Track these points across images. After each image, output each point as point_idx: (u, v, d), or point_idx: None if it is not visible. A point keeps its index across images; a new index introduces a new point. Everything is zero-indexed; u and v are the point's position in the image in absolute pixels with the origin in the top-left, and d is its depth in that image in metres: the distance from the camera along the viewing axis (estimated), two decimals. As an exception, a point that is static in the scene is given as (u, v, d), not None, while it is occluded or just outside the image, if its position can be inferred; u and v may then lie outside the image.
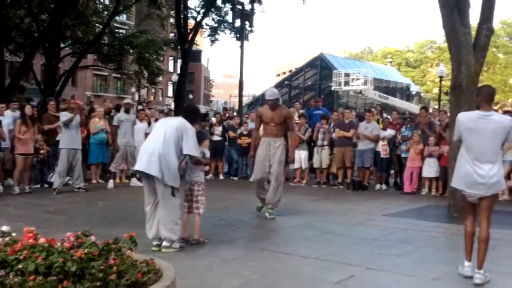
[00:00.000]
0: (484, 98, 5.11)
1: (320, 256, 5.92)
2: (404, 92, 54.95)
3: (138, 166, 6.21)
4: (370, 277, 5.18)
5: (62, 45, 26.81)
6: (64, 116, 10.87)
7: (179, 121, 6.28)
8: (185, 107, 7.53)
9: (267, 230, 7.36)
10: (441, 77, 33.17)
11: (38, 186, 11.57)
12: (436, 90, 47.92)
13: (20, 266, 2.75)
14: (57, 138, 11.67)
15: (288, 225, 7.79)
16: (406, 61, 73.49)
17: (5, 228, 3.13)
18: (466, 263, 5.14)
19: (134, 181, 11.85)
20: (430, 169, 11.39)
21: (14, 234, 3.10)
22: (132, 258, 3.25)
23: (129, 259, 3.19)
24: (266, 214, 8.20)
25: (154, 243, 6.15)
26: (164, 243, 6.10)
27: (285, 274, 5.30)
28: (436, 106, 31.30)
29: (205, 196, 6.61)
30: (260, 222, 7.50)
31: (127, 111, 12.57)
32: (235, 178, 13.93)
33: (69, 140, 10.75)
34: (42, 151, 11.55)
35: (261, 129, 8.56)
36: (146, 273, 3.13)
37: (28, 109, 10.99)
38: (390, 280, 5.10)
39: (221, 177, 14.13)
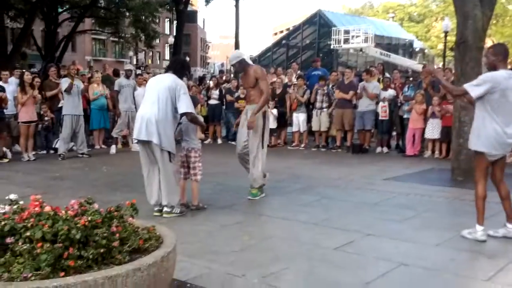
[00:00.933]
0: (503, 58, 5.07)
1: (318, 222, 5.93)
2: (407, 49, 54.12)
3: (136, 135, 6.17)
4: (370, 243, 5.18)
5: (60, 10, 26.81)
6: (64, 82, 10.98)
7: (170, 80, 6.17)
8: (172, 61, 7.22)
9: (266, 196, 7.35)
10: (446, 32, 32.59)
11: (44, 152, 11.86)
12: (441, 46, 47.20)
13: (28, 233, 2.86)
14: (59, 105, 11.88)
15: (287, 190, 7.79)
16: (409, 15, 72.22)
17: (13, 196, 3.22)
18: (480, 227, 5.14)
19: (135, 146, 11.81)
20: (434, 130, 11.17)
21: (21, 202, 3.19)
22: (134, 225, 3.39)
23: (131, 226, 3.33)
24: (248, 196, 7.25)
25: (156, 208, 6.20)
26: (165, 209, 6.16)
27: (284, 240, 5.32)
28: (441, 63, 30.96)
29: (202, 162, 6.60)
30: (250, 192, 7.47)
31: (127, 77, 12.62)
32: (233, 143, 13.73)
33: (71, 106, 10.93)
34: (46, 118, 11.74)
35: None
36: (148, 240, 3.30)
37: (26, 76, 11.00)
38: (391, 246, 5.08)
39: (219, 141, 14.12)
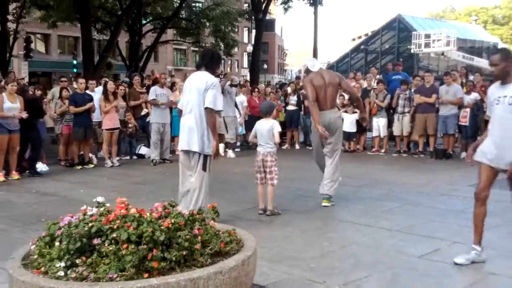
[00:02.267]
0: None
1: (402, 229, 5.75)
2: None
3: (181, 145, 5.94)
4: (456, 251, 4.93)
5: (143, 22, 28.06)
6: (153, 91, 11.40)
7: (201, 80, 5.78)
8: (201, 56, 6.62)
9: (346, 201, 7.23)
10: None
11: (128, 158, 12.23)
12: (527, 48, 45.01)
13: (114, 235, 2.92)
14: (142, 113, 12.31)
15: (367, 196, 7.61)
16: (493, 18, 69.35)
17: (100, 199, 3.31)
18: None
19: (230, 153, 12.32)
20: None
21: (108, 205, 3.27)
22: (215, 228, 3.42)
23: (212, 229, 3.36)
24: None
25: None
26: None
27: (365, 246, 5.19)
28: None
29: (280, 167, 6.58)
30: (338, 193, 7.35)
31: (231, 85, 13.03)
32: (311, 148, 13.71)
33: (158, 115, 11.38)
34: (130, 125, 12.11)
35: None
36: (229, 243, 3.30)
37: (110, 85, 11.50)
38: (478, 254, 4.84)
39: (297, 146, 14.05)
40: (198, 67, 6.11)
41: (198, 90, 5.74)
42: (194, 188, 5.76)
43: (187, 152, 5.84)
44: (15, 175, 9.44)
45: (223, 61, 50.27)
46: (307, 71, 7.34)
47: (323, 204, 7.00)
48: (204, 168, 5.76)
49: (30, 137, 9.84)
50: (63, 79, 12.93)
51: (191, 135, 5.73)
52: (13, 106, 9.30)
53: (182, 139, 5.88)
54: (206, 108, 5.70)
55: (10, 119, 9.24)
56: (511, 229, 5.80)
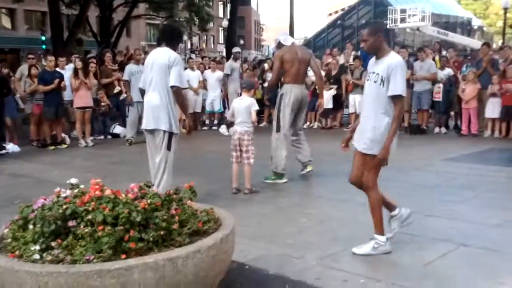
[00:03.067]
0: None
1: (377, 204, 5.80)
2: (465, 27, 52.23)
3: (144, 124, 5.80)
4: (429, 224, 5.06)
5: (114, -5, 27.29)
6: (128, 70, 11.04)
7: (163, 57, 5.62)
8: (161, 31, 6.37)
9: (322, 177, 7.29)
10: (505, 9, 31.35)
11: (102, 137, 12.01)
12: (500, 23, 45.38)
13: (89, 217, 2.91)
14: (115, 91, 12.06)
15: (344, 172, 7.57)
16: (468, -8, 69.65)
17: (73, 180, 3.27)
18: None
19: (223, 129, 12.02)
20: (494, 109, 10.83)
21: (82, 186, 3.23)
22: (193, 207, 3.42)
23: (190, 209, 3.36)
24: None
25: None
26: None
27: (342, 221, 5.26)
28: (500, 41, 29.82)
29: (258, 145, 6.57)
30: (315, 169, 7.41)
31: (235, 59, 13.36)
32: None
33: (137, 93, 10.99)
34: (103, 104, 11.88)
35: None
36: (206, 222, 3.31)
37: (77, 63, 11.17)
38: (450, 227, 4.97)
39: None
40: (158, 43, 5.92)
41: (160, 67, 5.58)
42: (158, 167, 5.63)
43: (152, 131, 5.69)
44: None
45: (197, 36, 49.88)
46: (279, 45, 7.37)
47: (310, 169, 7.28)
48: (168, 148, 5.63)
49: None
50: (30, 56, 12.45)
51: (156, 114, 5.57)
52: None
53: (147, 118, 5.70)
54: (172, 87, 5.56)
55: None
56: (482, 201, 5.93)
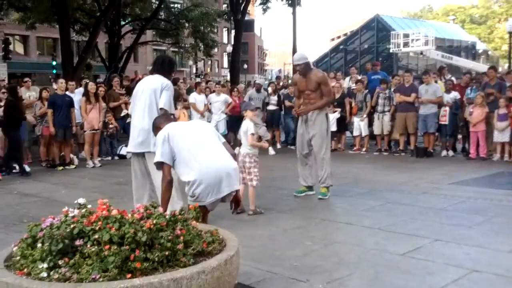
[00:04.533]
0: None
1: (383, 227, 5.77)
2: (470, 51, 52.55)
3: (130, 147, 5.87)
4: (438, 248, 4.98)
5: (122, 23, 27.94)
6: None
7: (154, 82, 5.75)
8: (155, 61, 6.43)
9: (328, 200, 7.27)
10: (510, 33, 31.42)
11: (109, 158, 12.18)
12: (505, 47, 45.60)
13: (96, 236, 2.92)
14: (122, 114, 12.26)
15: (349, 195, 7.65)
16: (471, 17, 70.22)
17: (81, 200, 3.30)
18: None
19: (270, 150, 12.41)
20: (502, 133, 10.75)
21: (89, 206, 3.25)
22: (197, 228, 3.42)
23: (195, 230, 3.35)
24: (319, 196, 7.42)
25: None
26: None
27: (348, 245, 5.20)
28: (506, 65, 29.89)
29: (261, 167, 6.59)
30: (320, 192, 7.41)
31: (258, 90, 13.42)
32: (292, 147, 13.64)
33: None
34: (111, 126, 12.05)
35: None
36: (211, 243, 3.30)
37: (91, 87, 11.38)
38: (461, 252, 4.87)
39: (278, 146, 14.06)
40: (151, 72, 6.07)
41: (153, 91, 5.66)
42: (159, 187, 5.53)
43: (140, 155, 5.73)
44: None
45: (202, 61, 50.29)
46: (309, 67, 7.51)
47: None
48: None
49: (16, 137, 9.93)
50: (26, 79, 12.90)
51: (145, 136, 5.61)
52: None
53: (134, 141, 5.74)
54: (161, 109, 5.63)
55: None
56: (494, 226, 5.83)
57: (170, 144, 4.75)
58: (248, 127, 6.54)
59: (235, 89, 14.65)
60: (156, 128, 5.17)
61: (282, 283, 4.14)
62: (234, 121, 12.65)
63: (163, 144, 4.76)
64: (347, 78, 15.34)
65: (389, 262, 4.61)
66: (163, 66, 5.97)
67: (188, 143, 4.81)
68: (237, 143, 7.05)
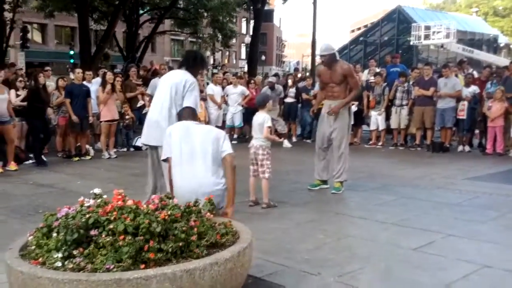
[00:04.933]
0: None
1: (397, 221, 5.77)
2: (491, 44, 51.85)
3: (144, 139, 5.80)
4: (451, 243, 4.98)
5: (141, 12, 27.91)
6: (153, 84, 11.21)
7: (178, 77, 5.63)
8: (184, 57, 6.23)
9: (342, 194, 7.27)
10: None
11: (125, 149, 12.18)
12: (529, 41, 44.86)
13: (111, 226, 2.96)
14: (138, 105, 12.34)
15: (363, 189, 7.65)
16: (494, 10, 69.01)
17: (97, 190, 3.32)
18: None
19: (286, 143, 12.43)
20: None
21: (105, 196, 3.28)
22: (211, 220, 3.45)
23: (209, 221, 3.38)
24: (332, 190, 7.40)
25: None
26: None
27: (360, 239, 5.21)
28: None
29: (276, 160, 6.59)
30: (333, 186, 7.42)
31: (271, 88, 13.10)
32: (308, 141, 13.69)
33: None
34: (127, 116, 12.05)
35: None
36: (224, 235, 3.34)
37: (108, 76, 11.37)
38: (473, 247, 4.88)
39: (294, 139, 14.05)
40: (179, 66, 5.91)
41: (174, 86, 5.55)
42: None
43: (153, 147, 5.67)
44: (12, 166, 9.43)
45: (220, 52, 50.23)
46: (334, 57, 7.41)
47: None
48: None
49: (36, 126, 9.92)
50: (47, 68, 12.76)
51: (158, 130, 5.47)
52: (0, 97, 9.26)
53: (149, 134, 5.68)
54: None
55: None
56: (507, 222, 5.82)
57: (169, 140, 4.61)
58: (264, 119, 6.52)
59: (252, 81, 14.64)
60: (178, 119, 5.11)
61: (293, 276, 4.17)
62: (250, 113, 12.62)
63: (165, 140, 4.66)
64: (366, 71, 15.26)
65: (401, 256, 4.63)
66: (195, 62, 5.79)
67: (181, 147, 4.52)
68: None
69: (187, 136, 4.55)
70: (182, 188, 4.37)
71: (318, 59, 7.58)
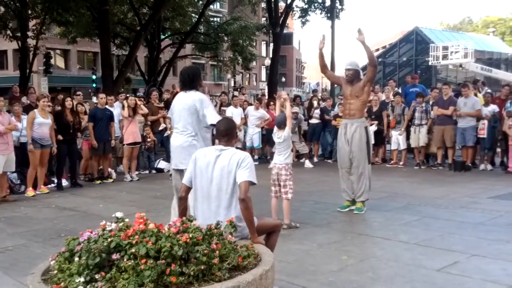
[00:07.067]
0: None
1: (420, 242, 5.71)
2: (510, 63, 51.51)
3: (175, 164, 5.82)
4: (475, 264, 4.91)
5: (162, 37, 28.34)
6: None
7: (189, 99, 5.65)
8: (181, 79, 6.01)
9: (364, 215, 7.22)
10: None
11: (147, 172, 12.28)
12: (547, 60, 44.45)
13: (132, 250, 2.93)
14: (160, 128, 12.45)
15: (386, 209, 7.58)
16: (511, 29, 68.61)
17: (119, 214, 3.32)
18: None
19: (307, 163, 12.55)
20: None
21: (127, 220, 3.28)
22: (233, 242, 3.40)
23: (230, 244, 3.34)
24: (355, 211, 7.38)
25: None
26: None
27: (384, 260, 5.16)
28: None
29: (299, 180, 6.57)
30: (355, 207, 7.36)
31: (294, 119, 13.04)
32: (329, 161, 13.68)
33: None
34: (149, 139, 12.16)
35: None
36: (246, 257, 3.29)
37: (130, 101, 11.53)
38: (498, 267, 4.80)
39: (315, 159, 14.02)
40: (182, 88, 5.97)
41: (188, 109, 5.62)
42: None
43: (179, 171, 5.67)
44: (44, 189, 9.61)
45: (240, 74, 50.54)
46: (358, 74, 7.59)
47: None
48: None
49: (61, 149, 10.07)
50: (78, 93, 12.77)
51: (183, 154, 5.54)
52: (44, 122, 9.54)
53: (175, 158, 5.73)
54: (212, 125, 5.52)
55: (42, 135, 9.48)
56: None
57: (191, 166, 4.22)
58: (285, 136, 6.51)
59: (272, 103, 14.66)
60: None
61: (316, 298, 4.14)
62: (270, 134, 12.69)
63: (190, 164, 4.27)
64: (383, 92, 15.26)
65: (425, 277, 4.57)
66: (190, 80, 5.79)
67: (202, 183, 4.13)
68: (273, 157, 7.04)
69: (207, 167, 4.09)
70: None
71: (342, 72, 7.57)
